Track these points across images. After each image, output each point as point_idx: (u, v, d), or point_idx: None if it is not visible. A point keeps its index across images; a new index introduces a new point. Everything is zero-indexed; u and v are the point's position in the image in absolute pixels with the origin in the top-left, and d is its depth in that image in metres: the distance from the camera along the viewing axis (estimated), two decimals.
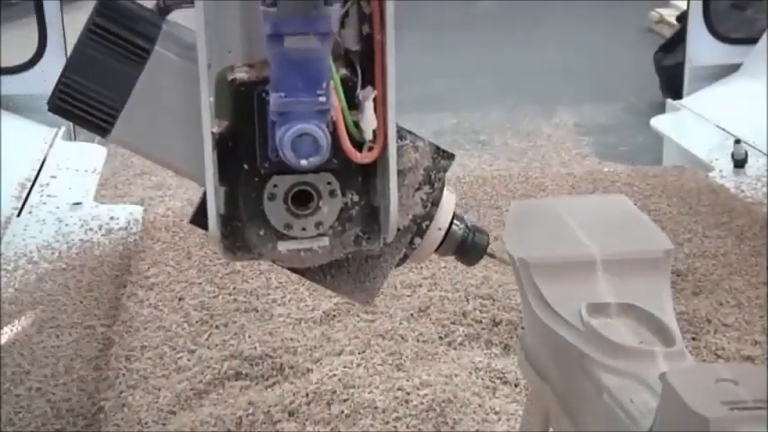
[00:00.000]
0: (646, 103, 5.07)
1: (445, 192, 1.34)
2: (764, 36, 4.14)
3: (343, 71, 1.17)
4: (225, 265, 2.68)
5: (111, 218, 3.07)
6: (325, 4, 1.08)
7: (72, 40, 3.84)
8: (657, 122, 4.15)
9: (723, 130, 3.77)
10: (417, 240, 1.33)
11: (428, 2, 7.11)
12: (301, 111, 1.11)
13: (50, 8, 3.83)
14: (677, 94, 4.32)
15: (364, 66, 1.18)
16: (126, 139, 1.24)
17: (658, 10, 6.66)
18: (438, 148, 1.31)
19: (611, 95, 5.35)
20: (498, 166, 4.25)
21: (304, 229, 1.20)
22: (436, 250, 1.37)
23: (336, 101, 1.14)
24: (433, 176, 1.30)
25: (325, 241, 1.21)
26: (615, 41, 6.48)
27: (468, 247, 1.39)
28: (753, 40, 4.21)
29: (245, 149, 1.18)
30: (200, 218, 1.23)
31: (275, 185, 1.19)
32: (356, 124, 1.17)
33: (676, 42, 4.81)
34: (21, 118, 3.78)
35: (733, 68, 4.21)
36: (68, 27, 3.93)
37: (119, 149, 4.13)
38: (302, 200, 1.20)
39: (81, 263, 2.76)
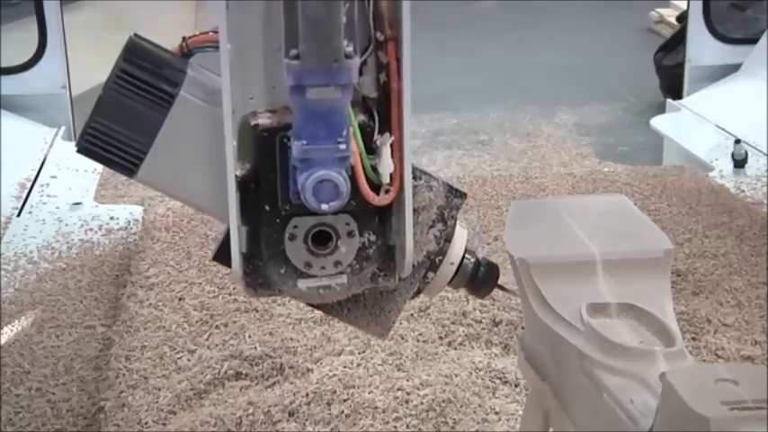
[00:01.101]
0: (646, 103, 5.07)
1: (457, 227, 1.38)
2: (764, 36, 4.14)
3: (361, 117, 1.22)
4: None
5: (111, 218, 3.07)
6: (346, 57, 1.12)
7: (72, 40, 3.84)
8: (657, 122, 4.14)
9: (723, 130, 3.77)
10: (430, 275, 1.37)
11: (428, 2, 7.10)
12: (323, 158, 1.15)
13: (50, 8, 3.83)
14: (677, 94, 4.32)
15: (381, 112, 1.23)
16: (152, 180, 1.29)
17: (658, 10, 6.66)
18: (451, 188, 1.35)
19: (611, 95, 5.35)
20: (498, 166, 4.25)
21: (323, 267, 1.25)
22: (449, 283, 1.41)
23: (355, 146, 1.18)
24: (446, 214, 1.35)
25: (344, 279, 1.26)
26: (615, 41, 6.48)
27: (479, 280, 1.42)
28: (753, 40, 4.20)
29: (266, 191, 1.22)
30: (222, 255, 1.28)
31: (296, 226, 1.23)
32: (374, 168, 1.21)
33: (676, 42, 4.80)
34: (21, 118, 3.79)
35: (733, 68, 4.21)
36: (68, 27, 3.93)
37: None
38: (321, 240, 1.25)
39: (81, 263, 2.76)
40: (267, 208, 1.23)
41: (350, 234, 1.25)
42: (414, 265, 1.31)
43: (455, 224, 1.37)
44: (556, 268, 1.33)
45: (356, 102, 1.22)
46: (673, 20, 6.04)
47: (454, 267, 1.38)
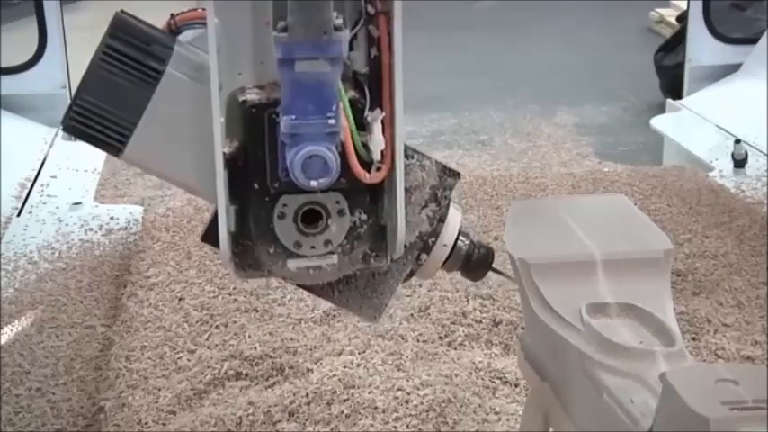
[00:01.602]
0: (646, 103, 5.07)
1: (451, 209, 1.37)
2: (764, 36, 4.14)
3: (352, 93, 1.20)
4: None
5: (111, 218, 3.07)
6: (336, 30, 1.11)
7: (72, 40, 3.85)
8: (657, 122, 4.14)
9: (723, 130, 3.77)
10: (423, 256, 1.36)
11: (428, 2, 7.10)
12: (311, 133, 1.13)
13: (50, 8, 3.83)
14: (677, 94, 4.32)
15: (372, 87, 1.21)
16: (138, 158, 1.27)
17: (658, 10, 6.66)
18: (444, 167, 1.34)
19: (611, 95, 5.35)
20: (498, 166, 4.25)
21: (313, 247, 1.23)
22: (442, 266, 1.39)
23: (345, 122, 1.16)
24: (439, 194, 1.33)
25: (334, 259, 1.24)
26: (615, 41, 6.48)
27: (473, 263, 1.41)
28: (753, 40, 4.20)
29: (255, 169, 1.20)
30: (211, 236, 1.25)
31: (285, 205, 1.22)
32: (365, 145, 1.19)
33: (676, 42, 4.80)
34: (21, 118, 3.79)
35: (733, 68, 4.21)
36: (68, 27, 3.93)
37: None
38: (311, 219, 1.23)
39: (81, 263, 2.75)
40: (256, 186, 1.21)
41: (340, 213, 1.23)
42: (406, 246, 1.29)
43: (448, 205, 1.35)
44: (556, 268, 1.33)
45: (347, 78, 1.20)
46: (673, 20, 6.03)
47: (447, 249, 1.37)
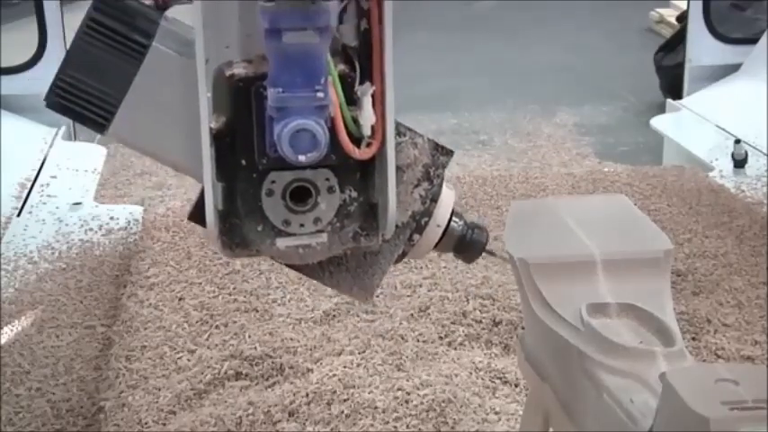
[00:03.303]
0: (646, 103, 5.07)
1: (444, 188, 1.34)
2: (764, 36, 4.14)
3: (342, 66, 1.16)
4: (225, 265, 2.68)
5: (111, 218, 3.07)
6: None
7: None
8: (657, 122, 4.15)
9: (723, 130, 3.77)
10: (416, 237, 1.33)
11: (428, 2, 7.10)
12: (299, 106, 1.10)
13: (50, 8, 3.83)
14: (677, 94, 4.32)
15: (363, 62, 1.18)
16: (124, 135, 1.23)
17: (658, 10, 6.66)
18: (437, 145, 1.31)
19: (611, 95, 5.35)
20: (498, 166, 4.25)
21: (302, 225, 1.20)
22: (435, 247, 1.36)
23: (335, 96, 1.13)
24: (431, 173, 1.30)
25: (324, 238, 1.21)
26: (615, 41, 6.48)
27: (466, 244, 1.38)
28: (753, 40, 4.21)
29: (243, 145, 1.17)
30: (198, 214, 1.22)
31: (273, 181, 1.18)
32: (355, 120, 1.16)
33: (676, 42, 4.81)
34: (21, 118, 3.79)
35: (733, 68, 4.21)
36: (68, 27, 3.93)
37: (119, 149, 4.13)
38: (300, 196, 1.19)
39: (81, 263, 2.76)
40: (243, 162, 1.17)
41: (330, 190, 1.19)
42: (398, 226, 1.26)
43: (441, 183, 1.32)
44: (556, 268, 1.33)
45: (336, 52, 1.17)
46: (673, 20, 6.04)
47: (441, 230, 1.34)
